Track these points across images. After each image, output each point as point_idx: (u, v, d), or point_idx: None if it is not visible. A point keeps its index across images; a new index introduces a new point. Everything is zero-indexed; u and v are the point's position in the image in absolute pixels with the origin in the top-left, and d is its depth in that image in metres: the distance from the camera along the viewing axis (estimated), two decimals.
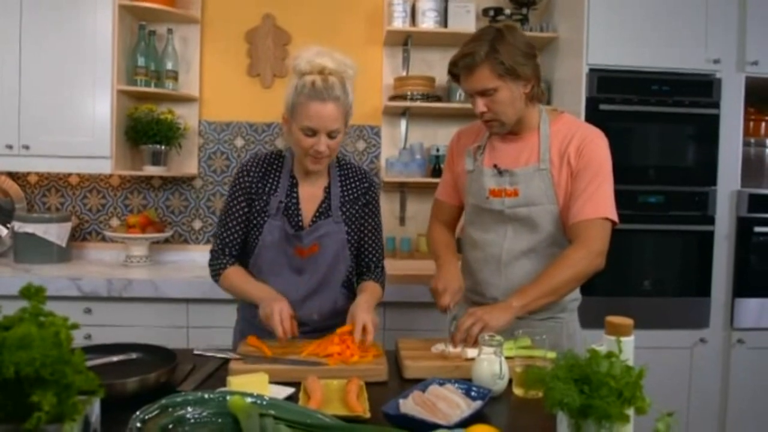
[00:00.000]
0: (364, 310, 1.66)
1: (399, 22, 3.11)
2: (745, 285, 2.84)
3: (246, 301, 1.86)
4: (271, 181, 1.83)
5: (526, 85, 1.77)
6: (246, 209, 1.82)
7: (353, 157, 3.35)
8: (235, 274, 1.83)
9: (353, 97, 1.75)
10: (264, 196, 1.81)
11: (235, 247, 1.85)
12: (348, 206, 1.86)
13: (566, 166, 1.79)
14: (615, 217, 1.77)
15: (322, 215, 1.83)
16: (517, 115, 1.80)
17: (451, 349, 1.60)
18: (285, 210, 1.80)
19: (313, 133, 1.69)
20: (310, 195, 1.84)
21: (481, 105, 1.76)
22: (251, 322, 1.88)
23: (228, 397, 1.12)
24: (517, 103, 1.78)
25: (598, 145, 1.80)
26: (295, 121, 1.71)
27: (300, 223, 1.81)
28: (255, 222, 1.81)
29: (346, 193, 1.86)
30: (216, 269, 1.86)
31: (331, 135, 1.70)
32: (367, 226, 1.91)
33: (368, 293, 1.81)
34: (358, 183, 1.89)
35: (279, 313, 1.60)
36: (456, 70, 1.78)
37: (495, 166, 1.85)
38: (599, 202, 1.74)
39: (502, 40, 1.71)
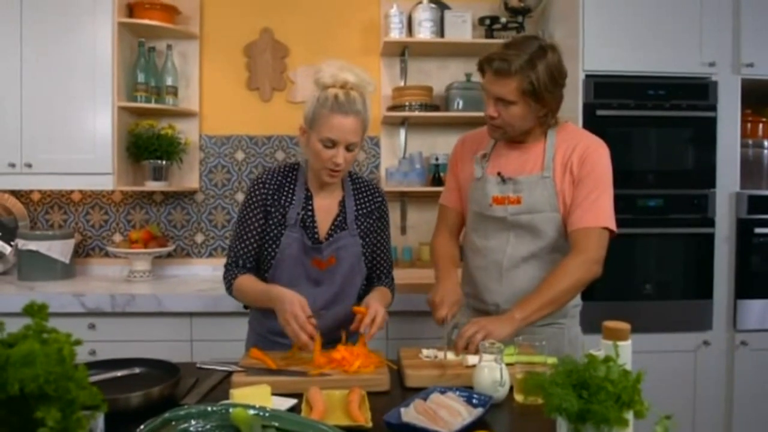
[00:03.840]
0: (378, 302, 1.73)
1: (396, 33, 3.13)
2: (747, 286, 2.84)
3: (260, 308, 1.84)
4: (286, 193, 1.84)
5: (542, 109, 1.78)
6: (261, 222, 1.84)
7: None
8: (245, 280, 1.83)
9: (371, 113, 1.78)
10: (281, 208, 1.83)
11: (249, 260, 1.86)
12: (362, 220, 1.88)
13: (569, 174, 1.81)
14: (614, 227, 1.79)
15: (338, 228, 1.85)
16: (523, 129, 1.82)
17: (450, 356, 1.61)
18: (302, 222, 1.82)
19: (333, 144, 1.72)
20: (325, 208, 1.86)
21: (493, 109, 1.78)
22: (262, 335, 1.90)
23: (231, 410, 1.13)
24: (527, 121, 1.80)
25: (600, 155, 1.82)
26: (316, 132, 1.73)
27: (316, 236, 1.83)
28: (272, 234, 1.83)
29: (360, 207, 1.89)
30: (229, 281, 1.87)
31: (349, 148, 1.73)
32: (379, 239, 1.94)
33: (380, 292, 1.86)
34: (371, 197, 1.92)
35: (294, 320, 1.59)
36: (485, 66, 1.77)
37: (499, 173, 1.87)
38: (599, 212, 1.77)
39: (543, 59, 1.72)
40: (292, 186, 1.86)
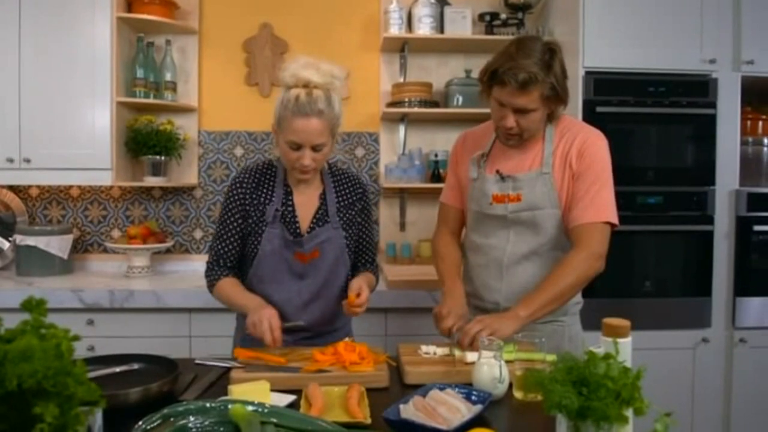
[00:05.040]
0: (362, 280, 1.80)
1: (395, 29, 3.12)
2: (745, 284, 2.84)
3: (238, 311, 1.88)
4: (265, 191, 1.84)
5: (556, 105, 1.78)
6: (240, 221, 1.84)
7: (352, 164, 3.37)
8: (227, 284, 1.84)
9: (341, 108, 1.75)
10: (260, 206, 1.83)
11: (230, 259, 1.86)
12: (344, 212, 1.88)
13: (568, 169, 1.80)
14: (615, 220, 1.78)
15: (320, 221, 1.85)
16: (539, 129, 1.82)
17: (458, 353, 1.61)
18: (282, 218, 1.82)
19: (297, 147, 1.71)
20: (306, 202, 1.86)
21: (512, 120, 1.75)
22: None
23: (229, 406, 1.13)
24: (543, 122, 1.80)
25: (599, 147, 1.81)
26: (282, 134, 1.73)
27: (298, 230, 1.83)
28: (253, 232, 1.83)
29: (341, 200, 1.89)
30: (211, 281, 1.88)
31: (316, 148, 1.72)
32: (362, 229, 1.95)
33: (364, 276, 1.90)
34: (352, 189, 1.92)
35: (268, 320, 1.62)
36: (507, 79, 1.68)
37: (497, 171, 1.86)
38: (600, 206, 1.76)
39: (555, 58, 1.71)
40: (270, 183, 1.85)
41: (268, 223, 1.81)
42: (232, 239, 1.85)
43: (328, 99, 1.70)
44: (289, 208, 1.84)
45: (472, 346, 1.57)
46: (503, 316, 1.65)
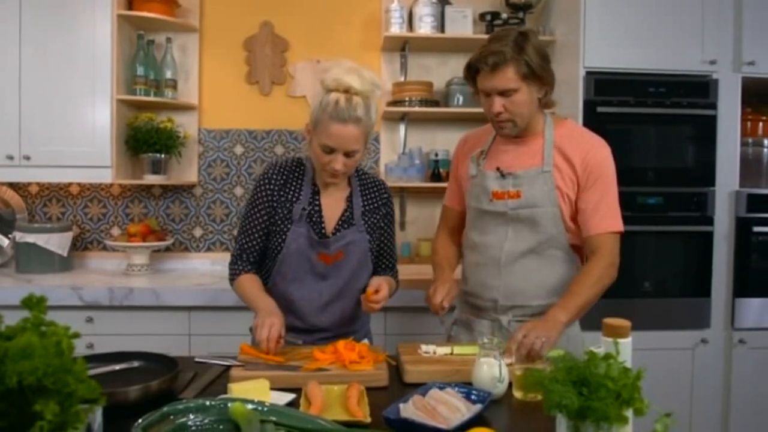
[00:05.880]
0: (382, 279, 1.83)
1: (396, 28, 3.12)
2: (745, 285, 2.85)
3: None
4: (292, 189, 1.85)
5: (541, 89, 1.80)
6: (265, 217, 1.85)
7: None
8: (246, 280, 1.86)
9: (376, 116, 1.77)
10: (287, 203, 1.83)
11: (252, 254, 1.88)
12: (368, 216, 1.90)
13: (571, 173, 1.82)
14: (623, 229, 1.84)
15: (345, 223, 1.86)
16: (530, 118, 1.83)
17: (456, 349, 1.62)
18: (308, 217, 1.83)
19: (331, 150, 1.72)
20: (332, 204, 1.87)
21: (498, 105, 1.77)
22: None
23: (229, 404, 1.13)
24: (532, 105, 1.81)
25: (604, 157, 1.84)
26: (316, 136, 1.74)
27: (323, 231, 1.84)
28: (278, 229, 1.83)
29: (366, 204, 1.90)
30: (232, 274, 1.90)
31: (349, 154, 1.73)
32: (385, 234, 1.96)
33: (384, 276, 1.92)
34: (377, 194, 1.93)
35: (268, 328, 1.62)
36: (480, 65, 1.76)
37: (498, 168, 1.87)
38: (613, 218, 1.81)
39: (528, 41, 1.74)
40: (299, 182, 1.86)
41: (294, 221, 1.82)
42: (255, 234, 1.86)
43: (367, 107, 1.72)
44: (316, 208, 1.85)
45: (529, 356, 1.55)
46: (547, 323, 1.64)
